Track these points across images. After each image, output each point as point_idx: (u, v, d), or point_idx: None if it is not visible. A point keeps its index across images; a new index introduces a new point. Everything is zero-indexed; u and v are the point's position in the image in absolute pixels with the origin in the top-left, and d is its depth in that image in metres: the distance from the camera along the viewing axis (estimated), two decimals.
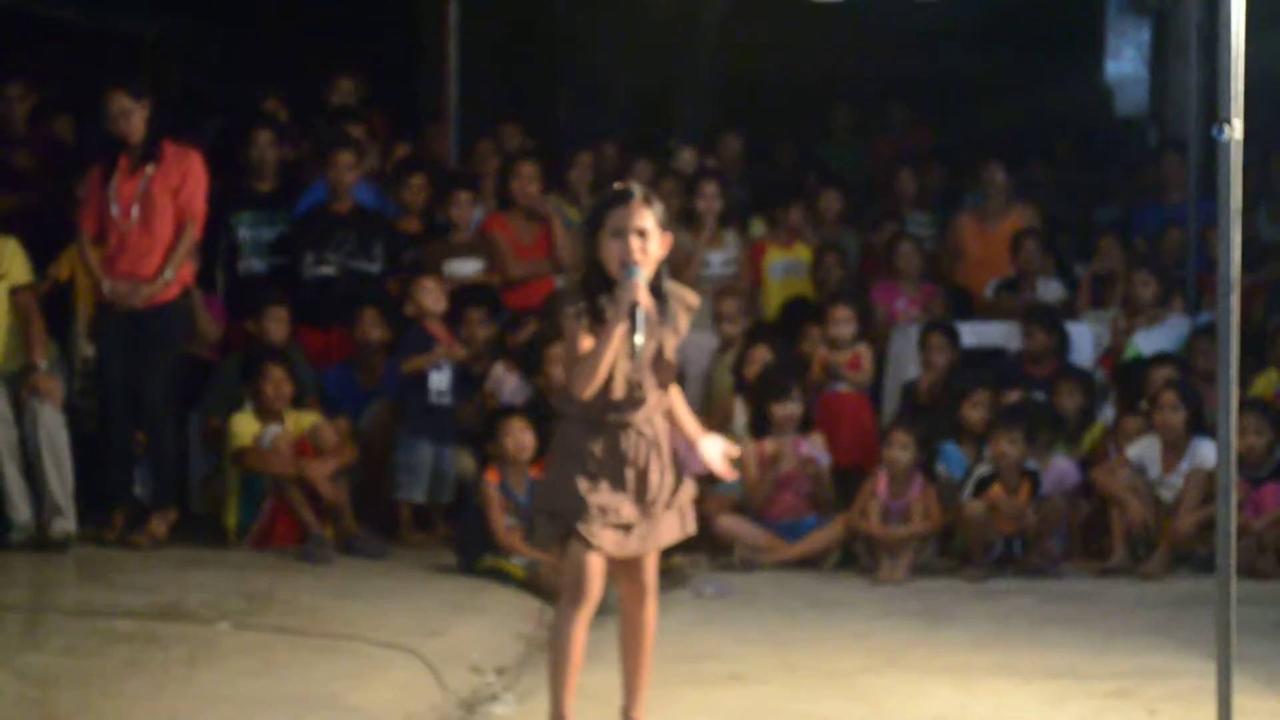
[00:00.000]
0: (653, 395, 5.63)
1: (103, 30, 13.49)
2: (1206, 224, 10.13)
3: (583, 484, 5.56)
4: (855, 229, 11.74)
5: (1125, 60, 16.86)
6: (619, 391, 5.56)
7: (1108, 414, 9.86)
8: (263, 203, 10.41)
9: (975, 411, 9.52)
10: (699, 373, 10.41)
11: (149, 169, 9.05)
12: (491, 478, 8.76)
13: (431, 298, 9.82)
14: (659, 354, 5.62)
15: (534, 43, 14.69)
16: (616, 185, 5.74)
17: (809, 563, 9.17)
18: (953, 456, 9.48)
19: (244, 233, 10.34)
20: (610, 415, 5.58)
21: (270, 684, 6.51)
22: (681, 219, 10.79)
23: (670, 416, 5.79)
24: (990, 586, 8.73)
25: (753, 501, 9.39)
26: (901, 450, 9.14)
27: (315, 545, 8.93)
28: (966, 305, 11.13)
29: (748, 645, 7.48)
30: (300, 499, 9.10)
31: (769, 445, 9.43)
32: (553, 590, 7.19)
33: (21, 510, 8.91)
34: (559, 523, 5.60)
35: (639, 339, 5.43)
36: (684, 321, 5.70)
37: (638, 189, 5.61)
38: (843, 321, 10.22)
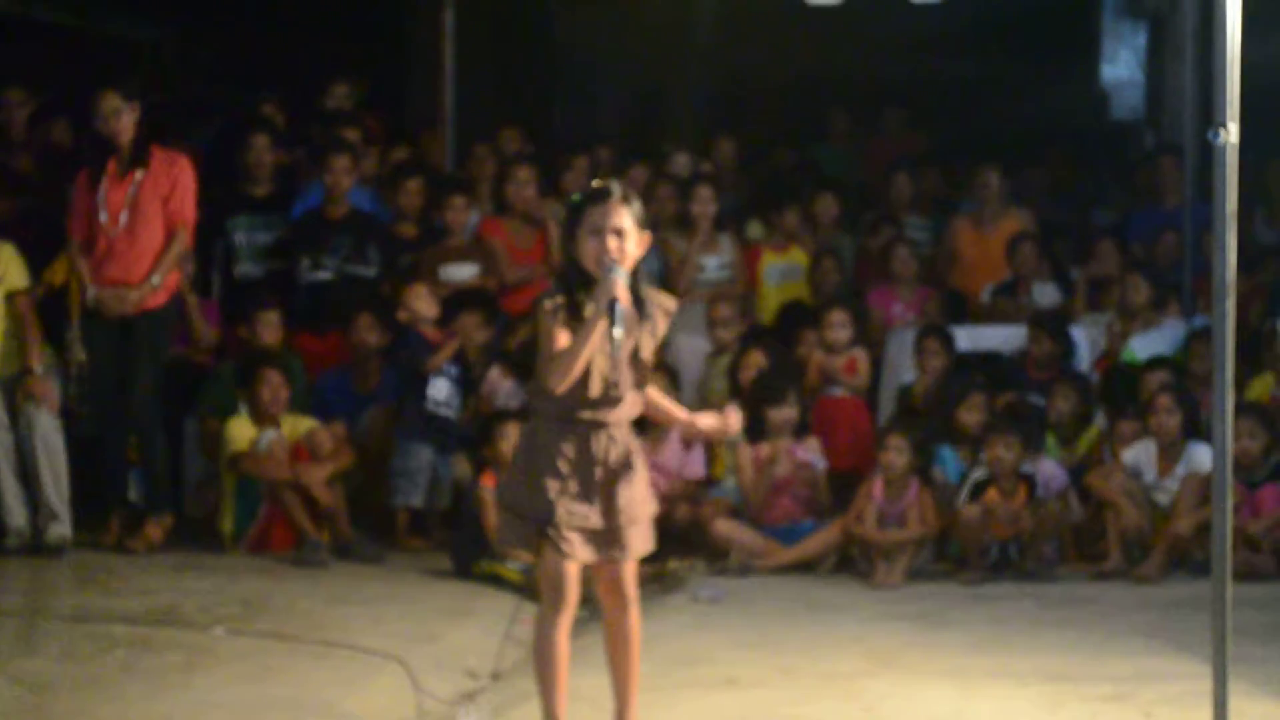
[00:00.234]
0: (628, 396, 5.62)
1: (100, 35, 13.49)
2: (1202, 228, 10.13)
3: (553, 486, 5.54)
4: (851, 233, 11.74)
5: (1121, 64, 16.84)
6: (595, 390, 5.54)
7: (1100, 418, 9.86)
8: (258, 207, 10.41)
9: (971, 415, 9.52)
10: (693, 378, 10.41)
11: (138, 175, 9.04)
12: (487, 482, 8.75)
13: (423, 303, 9.82)
14: (635, 354, 5.60)
15: (529, 47, 14.68)
16: (595, 183, 5.72)
17: (805, 567, 9.17)
18: (948, 460, 9.48)
19: (240, 237, 10.34)
20: (584, 413, 5.55)
21: (265, 689, 6.52)
22: (676, 223, 10.79)
23: (656, 410, 5.78)
24: (986, 590, 8.73)
25: (749, 506, 9.39)
26: (897, 454, 9.14)
27: (311, 550, 8.94)
28: (962, 309, 11.13)
29: (744, 649, 7.47)
30: (296, 504, 9.10)
31: (765, 449, 9.43)
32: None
33: (17, 515, 8.91)
34: (529, 527, 5.57)
35: (618, 332, 5.42)
36: (662, 325, 5.67)
37: (616, 187, 5.58)
38: (839, 326, 10.22)
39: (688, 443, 9.56)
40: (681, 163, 11.91)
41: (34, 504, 8.93)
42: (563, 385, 5.48)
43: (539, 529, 5.54)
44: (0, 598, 8.02)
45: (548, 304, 5.52)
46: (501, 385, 9.77)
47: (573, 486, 5.55)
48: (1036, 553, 8.99)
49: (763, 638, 7.72)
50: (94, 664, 6.74)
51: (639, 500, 5.65)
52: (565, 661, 5.63)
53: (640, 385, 5.66)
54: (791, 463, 9.40)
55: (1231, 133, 5.43)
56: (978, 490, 9.11)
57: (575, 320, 5.48)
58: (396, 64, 13.80)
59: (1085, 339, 10.51)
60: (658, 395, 5.83)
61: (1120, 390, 9.86)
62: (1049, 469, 9.23)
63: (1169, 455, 9.16)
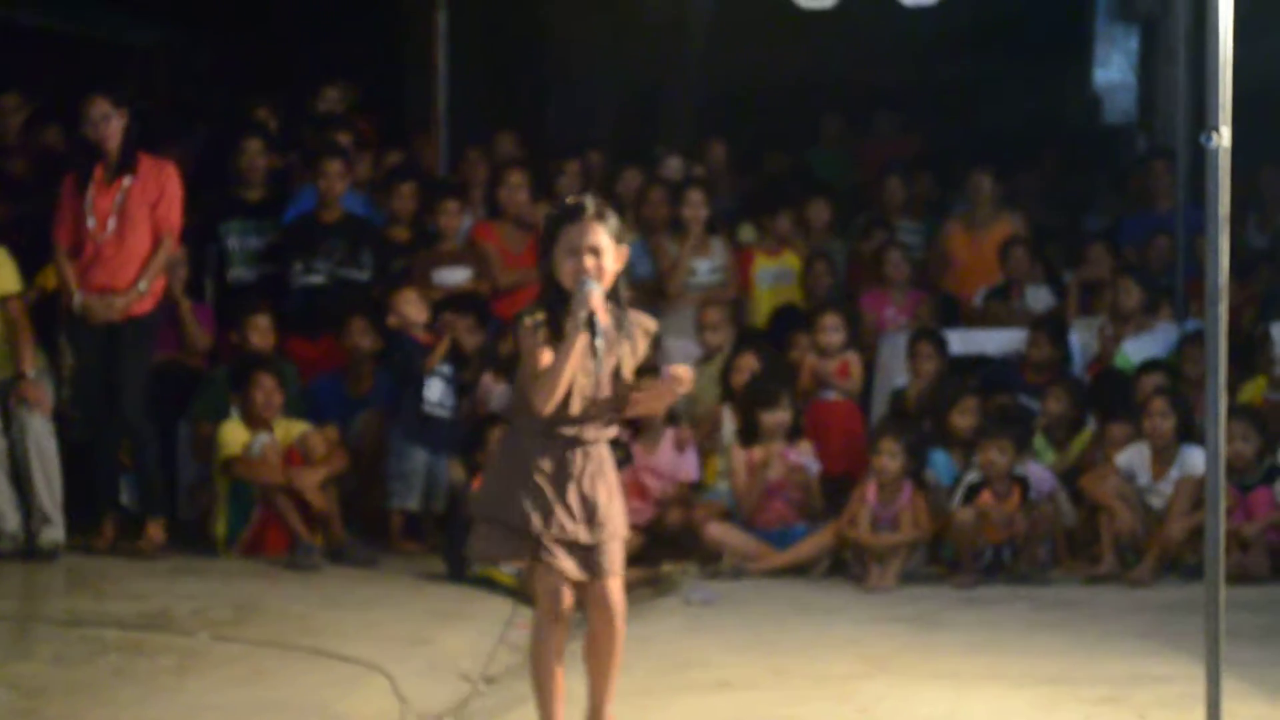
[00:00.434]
0: (607, 414, 5.62)
1: (93, 40, 13.49)
2: (1195, 232, 10.12)
3: (528, 501, 5.54)
4: (844, 237, 11.75)
5: (1114, 67, 16.86)
6: (575, 407, 5.53)
7: (1092, 421, 9.86)
8: (251, 211, 10.41)
9: (964, 419, 9.52)
10: None
11: (126, 181, 9.02)
12: (480, 486, 8.74)
13: (413, 308, 9.82)
14: (616, 372, 5.59)
15: (522, 51, 14.69)
16: (569, 200, 5.67)
17: (798, 570, 9.16)
18: (942, 464, 9.48)
19: (233, 241, 10.34)
20: (564, 429, 5.55)
21: (258, 692, 6.52)
22: (668, 226, 10.79)
23: (638, 405, 5.75)
24: (980, 593, 8.73)
25: (742, 509, 9.38)
26: (890, 458, 9.14)
27: (304, 554, 8.93)
28: (955, 313, 11.14)
29: (737, 652, 7.47)
30: (289, 507, 9.09)
31: (758, 453, 9.43)
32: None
33: (10, 519, 8.90)
34: (512, 538, 5.57)
35: (600, 343, 5.41)
36: (642, 345, 5.66)
37: (590, 203, 5.54)
38: (831, 329, 10.22)
39: (680, 446, 9.56)
40: (674, 166, 11.91)
41: (27, 508, 8.92)
42: (549, 406, 5.47)
43: (527, 544, 5.54)
44: None
45: (528, 321, 5.51)
46: (494, 390, 9.77)
47: (552, 501, 5.54)
48: (1030, 556, 8.99)
49: (756, 640, 7.72)
50: (86, 668, 6.74)
51: (616, 516, 5.66)
52: (560, 671, 5.63)
53: (620, 405, 5.65)
54: (784, 466, 9.40)
55: (1224, 136, 5.43)
56: (971, 493, 9.11)
57: (556, 338, 5.47)
58: (390, 68, 13.80)
59: (1078, 343, 10.52)
60: (636, 394, 5.78)
61: (1112, 394, 9.86)
62: (1036, 472, 9.24)
63: (1163, 458, 9.16)
